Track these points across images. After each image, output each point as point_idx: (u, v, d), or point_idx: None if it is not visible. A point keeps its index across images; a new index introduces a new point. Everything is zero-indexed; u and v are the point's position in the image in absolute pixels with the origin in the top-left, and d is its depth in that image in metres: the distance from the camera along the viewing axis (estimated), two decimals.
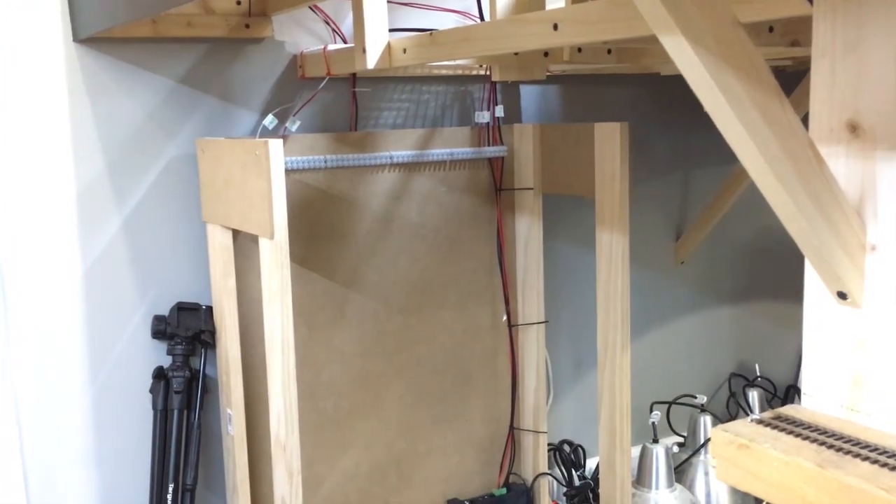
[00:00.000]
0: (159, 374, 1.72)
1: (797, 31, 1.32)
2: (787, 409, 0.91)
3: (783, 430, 0.86)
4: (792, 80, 1.80)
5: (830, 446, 0.81)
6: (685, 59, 0.71)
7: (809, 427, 0.86)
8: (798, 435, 0.84)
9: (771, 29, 1.30)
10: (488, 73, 1.91)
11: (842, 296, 0.85)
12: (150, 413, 1.72)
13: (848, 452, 0.79)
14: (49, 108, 1.63)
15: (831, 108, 0.83)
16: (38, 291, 1.66)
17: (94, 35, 1.60)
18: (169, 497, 1.69)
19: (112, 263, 1.71)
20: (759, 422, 0.88)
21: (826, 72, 0.83)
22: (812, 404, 0.91)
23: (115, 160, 1.70)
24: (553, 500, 2.12)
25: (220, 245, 1.69)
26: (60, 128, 1.64)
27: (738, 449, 0.84)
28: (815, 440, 0.83)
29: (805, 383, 0.92)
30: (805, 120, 0.84)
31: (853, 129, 0.82)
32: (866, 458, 0.78)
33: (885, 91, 0.79)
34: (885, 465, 0.76)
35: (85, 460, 1.73)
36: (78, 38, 1.63)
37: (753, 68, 0.73)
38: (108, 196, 1.70)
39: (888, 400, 0.83)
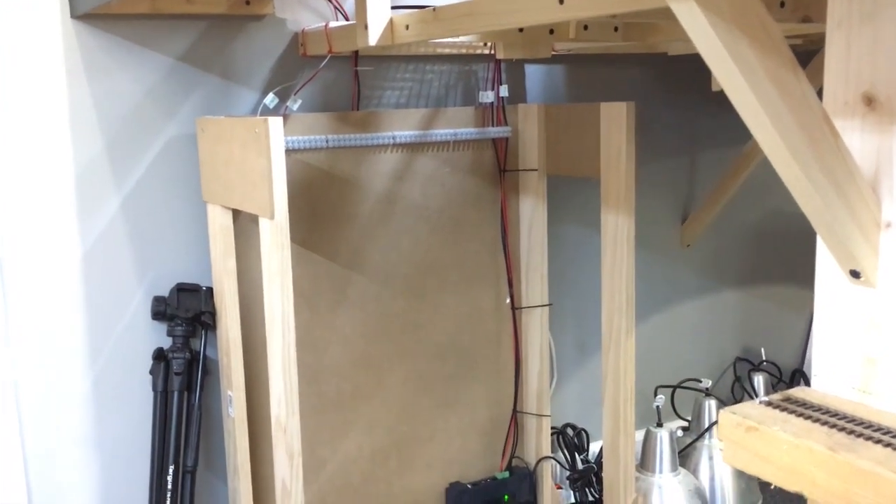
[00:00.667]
0: (159, 356, 1.71)
1: (809, 5, 1.29)
2: (797, 391, 0.89)
3: (793, 412, 0.84)
4: (803, 59, 1.77)
5: (842, 429, 0.79)
6: (697, 27, 0.69)
7: (820, 409, 0.84)
8: (808, 417, 0.82)
9: (782, 4, 1.27)
10: (493, 51, 1.88)
11: (855, 274, 0.83)
12: (151, 394, 1.71)
13: (860, 435, 0.77)
14: (46, 85, 1.61)
15: (847, 80, 0.81)
16: (37, 272, 1.64)
17: (91, 11, 1.57)
18: (169, 479, 1.68)
19: (111, 244, 1.70)
20: (768, 404, 0.86)
21: (841, 43, 0.81)
22: (822, 386, 0.88)
23: (114, 139, 1.68)
24: (556, 484, 2.10)
25: (220, 225, 1.67)
26: (58, 106, 1.62)
27: (746, 431, 0.82)
28: (825, 423, 0.81)
29: (815, 364, 0.89)
30: (819, 94, 0.82)
31: (869, 101, 0.79)
32: (878, 441, 0.76)
33: None
34: None
35: (85, 441, 1.72)
36: (75, 14, 1.60)
37: (768, 38, 0.71)
38: (107, 176, 1.68)
39: None
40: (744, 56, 0.69)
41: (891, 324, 0.82)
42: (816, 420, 0.81)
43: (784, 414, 0.83)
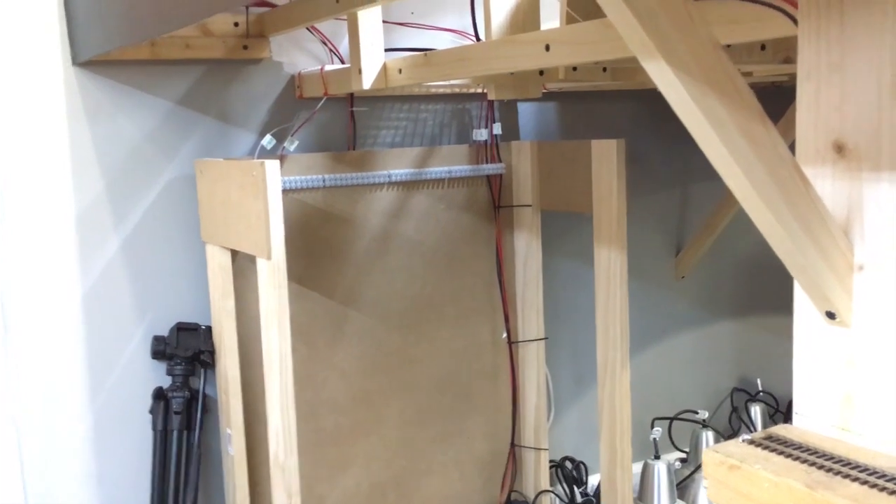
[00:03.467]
0: (159, 395, 1.73)
1: (789, 48, 1.33)
2: (779, 429, 0.91)
3: (774, 450, 0.85)
4: (790, 94, 1.80)
5: (821, 467, 0.81)
6: (667, 83, 0.72)
7: (800, 447, 0.86)
8: (788, 455, 0.84)
9: (763, 47, 1.30)
10: (486, 91, 1.92)
11: (830, 315, 0.85)
12: (150, 433, 1.73)
13: (838, 473, 0.79)
14: (48, 130, 1.65)
15: (817, 129, 0.84)
16: (38, 312, 1.67)
17: (92, 58, 1.61)
18: None
19: (111, 284, 1.72)
20: (751, 442, 0.88)
21: (811, 93, 0.84)
22: (803, 423, 0.90)
23: (114, 181, 1.71)
24: None
25: (218, 265, 1.70)
26: (59, 150, 1.66)
27: (728, 470, 0.84)
28: (805, 460, 0.83)
29: (796, 403, 0.92)
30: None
31: (839, 149, 0.82)
32: (856, 479, 0.78)
33: (869, 111, 0.80)
34: (874, 485, 0.76)
35: (86, 480, 1.73)
36: (77, 62, 1.65)
37: (736, 92, 0.74)
38: (107, 217, 1.71)
39: (878, 419, 0.83)
40: (713, 110, 0.72)
41: (867, 363, 0.84)
42: (797, 458, 0.83)
43: (766, 452, 0.85)
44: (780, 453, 0.85)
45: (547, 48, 1.20)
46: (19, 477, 1.67)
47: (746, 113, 0.74)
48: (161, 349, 1.73)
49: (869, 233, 0.82)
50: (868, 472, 0.79)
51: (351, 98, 1.87)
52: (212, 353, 1.74)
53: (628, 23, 0.70)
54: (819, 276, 0.82)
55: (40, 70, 1.63)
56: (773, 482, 0.79)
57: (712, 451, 0.86)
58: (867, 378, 0.84)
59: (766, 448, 0.86)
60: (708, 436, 2.25)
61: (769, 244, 0.82)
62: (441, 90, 1.97)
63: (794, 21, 0.85)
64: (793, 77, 2.06)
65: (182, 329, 1.75)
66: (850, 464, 0.81)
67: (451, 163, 1.94)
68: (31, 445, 1.68)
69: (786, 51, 1.35)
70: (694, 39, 0.71)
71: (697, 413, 2.30)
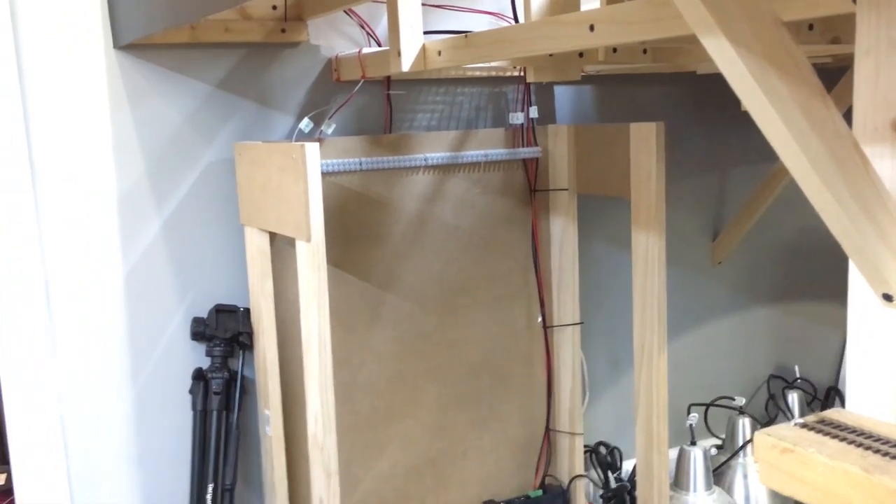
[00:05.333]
0: (198, 376, 1.75)
1: (837, 28, 1.30)
2: (832, 413, 0.90)
3: (827, 434, 0.84)
4: (833, 76, 1.77)
5: (877, 451, 0.80)
6: (727, 60, 0.71)
7: (855, 431, 0.85)
8: (843, 439, 0.83)
9: (811, 27, 1.28)
10: (522, 74, 1.91)
11: (887, 298, 0.84)
12: (190, 413, 1.75)
13: (895, 457, 0.78)
14: (90, 113, 1.66)
15: (875, 107, 0.82)
16: (81, 294, 1.69)
17: (133, 42, 1.62)
18: (209, 496, 1.71)
19: (152, 266, 1.74)
20: (803, 425, 0.87)
21: (870, 70, 0.82)
22: (857, 408, 0.89)
23: (155, 165, 1.73)
24: (589, 502, 2.11)
25: (257, 248, 1.71)
26: (101, 133, 1.68)
27: (781, 453, 0.83)
28: (860, 444, 0.81)
29: (849, 386, 0.90)
30: (847, 117, 0.83)
31: None
32: None
33: None
34: None
35: (127, 459, 1.76)
36: (118, 45, 1.66)
37: (796, 68, 0.72)
38: (148, 200, 1.73)
39: None
40: (773, 87, 0.71)
41: None
42: (851, 442, 0.82)
43: (819, 436, 0.84)
44: (835, 437, 0.83)
45: (591, 28, 1.19)
46: (63, 456, 1.70)
47: (806, 90, 0.73)
48: (200, 330, 1.75)
49: None
50: None
51: (388, 81, 1.87)
52: (250, 334, 1.76)
53: None
54: (876, 258, 0.81)
55: (82, 53, 1.64)
56: (828, 466, 0.78)
57: (764, 435, 0.85)
58: None
59: (819, 432, 0.85)
60: (745, 422, 2.23)
61: (815, 226, 0.81)
62: (478, 73, 1.96)
63: None
64: (837, 59, 2.02)
65: (221, 311, 1.77)
66: None
67: (488, 146, 1.93)
68: (73, 425, 1.71)
69: (833, 30, 1.33)
70: (755, 14, 0.70)
71: (734, 400, 2.28)
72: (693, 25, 0.71)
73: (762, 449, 0.85)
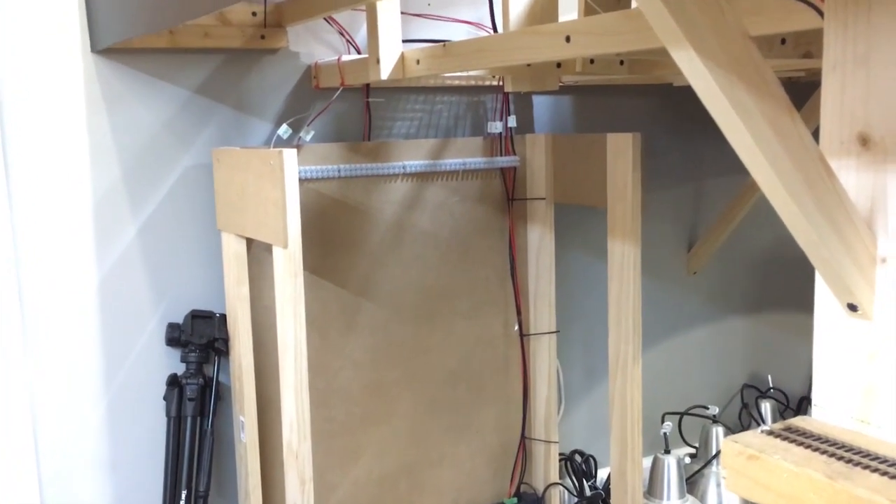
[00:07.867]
0: (173, 382, 1.74)
1: (809, 42, 1.33)
2: (798, 421, 0.91)
3: (793, 441, 0.86)
4: (806, 90, 1.80)
5: (840, 458, 0.81)
6: (696, 72, 0.72)
7: (820, 438, 0.86)
8: (808, 446, 0.84)
9: (783, 41, 1.30)
10: (501, 83, 1.93)
11: (852, 308, 0.85)
12: (164, 420, 1.74)
13: (858, 464, 0.80)
14: (66, 117, 1.65)
15: (842, 120, 0.84)
16: (54, 298, 1.68)
17: (111, 46, 1.62)
18: (182, 503, 1.70)
19: (127, 271, 1.73)
20: (770, 433, 0.88)
21: (837, 85, 0.84)
22: (823, 416, 0.91)
23: (132, 169, 1.72)
24: None
25: (234, 253, 1.71)
26: (78, 137, 1.67)
27: (747, 460, 0.84)
28: (825, 451, 0.83)
29: (816, 395, 0.92)
30: (816, 132, 0.85)
31: (864, 141, 0.82)
32: (876, 470, 0.78)
33: (895, 104, 0.80)
34: (894, 476, 0.77)
35: (99, 465, 1.75)
36: (96, 49, 1.65)
37: (764, 82, 0.74)
38: (124, 205, 1.72)
39: None
40: (741, 100, 0.73)
41: (888, 355, 0.84)
42: (816, 449, 0.84)
43: (785, 443, 0.86)
44: (800, 444, 0.85)
45: (568, 39, 1.20)
46: (34, 462, 1.68)
47: (773, 104, 0.74)
48: (176, 336, 1.74)
49: (892, 225, 0.82)
50: (889, 463, 0.79)
51: (367, 89, 1.88)
52: (226, 340, 1.75)
53: (657, 11, 0.70)
54: (841, 268, 0.82)
55: (59, 57, 1.63)
56: (792, 472, 0.80)
57: (731, 441, 0.86)
58: (889, 371, 0.84)
59: (785, 439, 0.86)
60: (718, 431, 2.25)
61: (790, 237, 0.82)
62: (456, 82, 1.97)
63: (821, 13, 0.85)
64: (809, 73, 2.06)
65: (196, 316, 1.76)
66: (870, 455, 0.81)
67: (466, 155, 1.94)
68: (46, 431, 1.69)
69: (806, 45, 1.35)
70: (723, 28, 0.72)
71: (708, 409, 2.30)
72: (663, 38, 0.73)
73: (729, 455, 0.86)
